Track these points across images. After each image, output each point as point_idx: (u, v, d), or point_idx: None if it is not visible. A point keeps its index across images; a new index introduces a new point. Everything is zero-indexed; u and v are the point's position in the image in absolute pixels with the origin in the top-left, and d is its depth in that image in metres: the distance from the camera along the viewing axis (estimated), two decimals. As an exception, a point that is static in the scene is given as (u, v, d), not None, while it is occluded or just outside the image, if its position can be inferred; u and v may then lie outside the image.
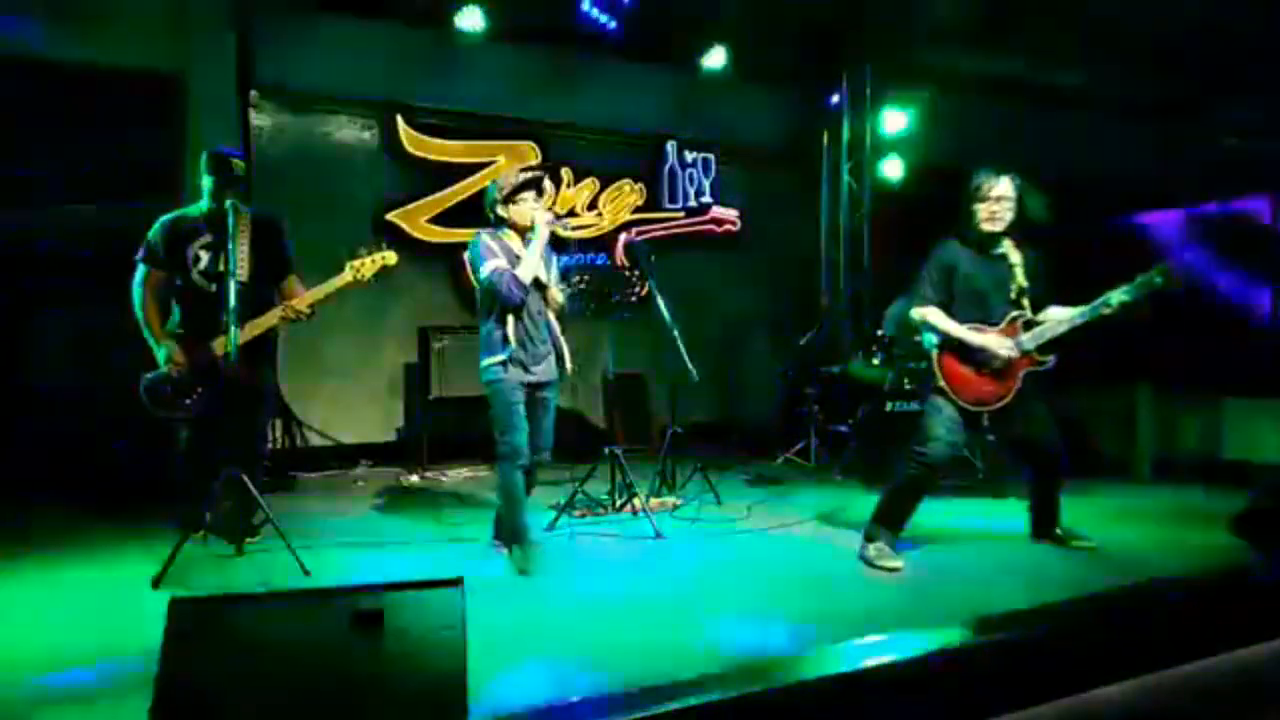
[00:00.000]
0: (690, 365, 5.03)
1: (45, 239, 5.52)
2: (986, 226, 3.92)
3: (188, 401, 3.91)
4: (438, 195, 6.93)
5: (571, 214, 7.35)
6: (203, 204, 4.03)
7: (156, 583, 3.48)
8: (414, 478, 6.20)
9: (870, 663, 2.76)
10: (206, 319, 3.91)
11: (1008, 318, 3.93)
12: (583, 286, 4.47)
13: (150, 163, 5.69)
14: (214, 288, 3.93)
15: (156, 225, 4.01)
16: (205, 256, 3.98)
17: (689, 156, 8.02)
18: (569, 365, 4.10)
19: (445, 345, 6.39)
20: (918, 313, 3.99)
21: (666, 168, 7.93)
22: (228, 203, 3.79)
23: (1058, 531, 4.16)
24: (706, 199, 8.10)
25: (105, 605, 3.37)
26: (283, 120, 6.49)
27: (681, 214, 8.00)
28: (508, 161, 7.10)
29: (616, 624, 3.22)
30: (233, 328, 3.61)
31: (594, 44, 6.90)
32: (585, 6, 6.62)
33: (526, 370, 3.90)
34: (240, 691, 1.71)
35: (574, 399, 7.18)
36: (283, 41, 6.23)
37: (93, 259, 5.04)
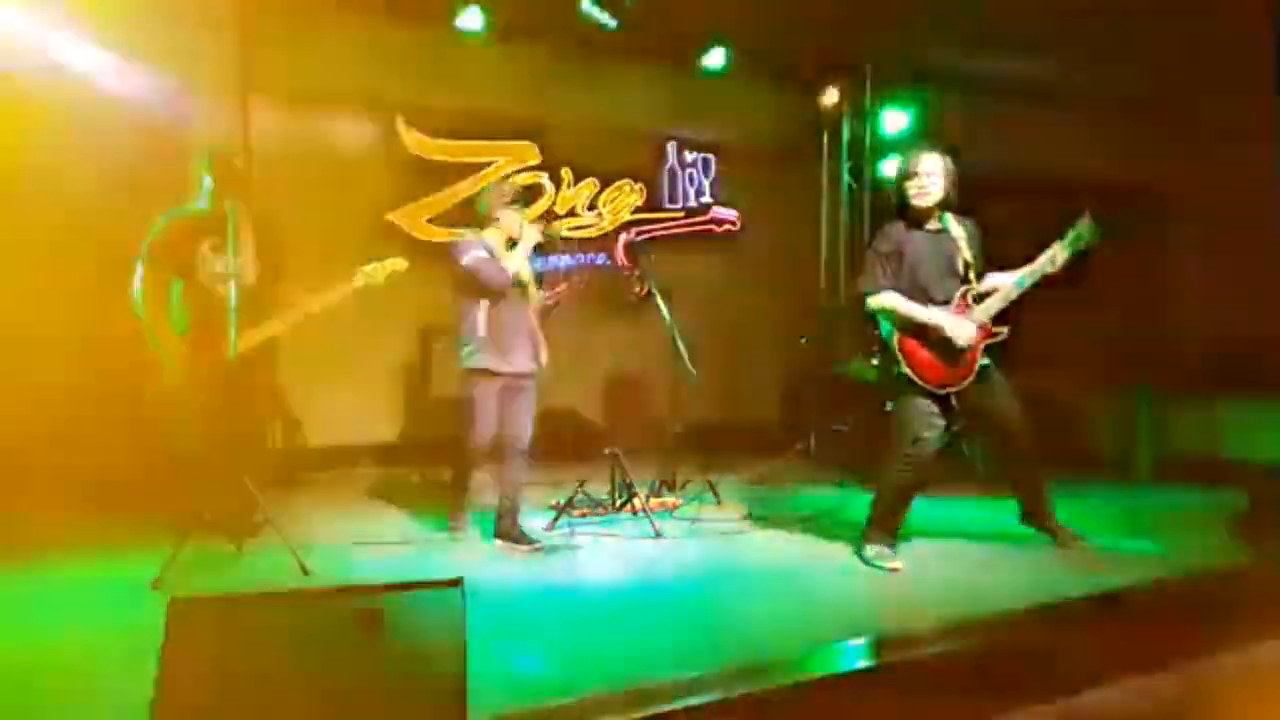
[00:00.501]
0: (690, 365, 5.04)
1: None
2: (916, 202, 3.92)
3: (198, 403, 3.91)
4: (438, 195, 6.93)
5: (571, 214, 7.36)
6: (202, 204, 4.03)
7: (157, 583, 3.47)
8: (414, 478, 6.20)
9: (869, 663, 2.77)
10: (211, 321, 3.91)
11: (957, 294, 3.93)
12: (556, 303, 4.55)
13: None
14: (218, 289, 3.93)
15: (157, 225, 4.01)
16: (210, 258, 3.98)
17: (689, 156, 8.01)
18: (543, 358, 4.24)
19: (445, 345, 6.39)
20: (874, 301, 3.94)
21: (666, 168, 7.92)
22: (228, 203, 3.79)
23: (1050, 523, 4.10)
24: (706, 199, 8.09)
25: (105, 605, 3.36)
26: (283, 120, 6.49)
27: (681, 214, 7.99)
28: (508, 161, 7.12)
29: (616, 624, 3.22)
30: (231, 329, 3.60)
31: (594, 43, 6.90)
32: (585, 6, 6.61)
33: (503, 359, 4.04)
34: (240, 691, 1.71)
35: (574, 399, 7.18)
36: (283, 42, 6.23)
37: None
